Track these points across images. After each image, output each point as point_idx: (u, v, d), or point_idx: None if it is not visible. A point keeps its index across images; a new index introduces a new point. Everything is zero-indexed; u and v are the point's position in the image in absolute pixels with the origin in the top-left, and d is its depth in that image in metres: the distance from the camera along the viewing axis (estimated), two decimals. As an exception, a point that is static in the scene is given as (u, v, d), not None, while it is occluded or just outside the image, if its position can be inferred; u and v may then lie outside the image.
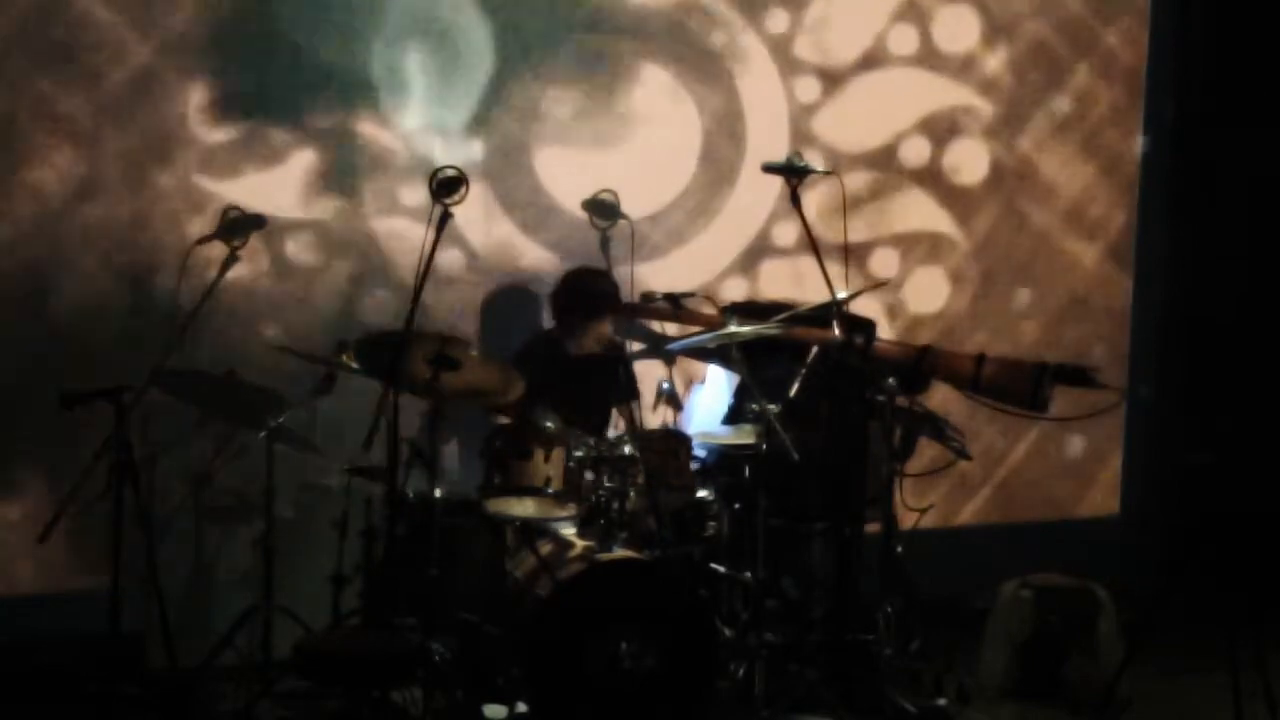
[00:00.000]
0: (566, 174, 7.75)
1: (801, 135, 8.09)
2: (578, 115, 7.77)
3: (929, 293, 8.42)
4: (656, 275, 7.80)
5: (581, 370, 7.19)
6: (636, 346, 7.68)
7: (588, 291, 7.23)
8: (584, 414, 6.96)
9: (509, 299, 7.71)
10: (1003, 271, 8.55)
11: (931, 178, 8.37)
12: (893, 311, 8.33)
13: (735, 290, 8.03)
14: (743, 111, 8.02)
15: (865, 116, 8.24)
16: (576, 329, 7.23)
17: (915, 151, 8.33)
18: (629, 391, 7.26)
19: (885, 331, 8.00)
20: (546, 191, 7.75)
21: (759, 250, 8.10)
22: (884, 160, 8.29)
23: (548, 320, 7.52)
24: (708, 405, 7.53)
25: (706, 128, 7.97)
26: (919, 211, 8.37)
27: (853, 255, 7.68)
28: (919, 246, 8.38)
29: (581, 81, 7.77)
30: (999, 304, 8.55)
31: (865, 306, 7.71)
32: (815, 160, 7.32)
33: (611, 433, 7.15)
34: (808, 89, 8.13)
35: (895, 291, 8.32)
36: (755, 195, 8.01)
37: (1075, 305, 8.68)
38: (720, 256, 8.07)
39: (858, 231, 8.17)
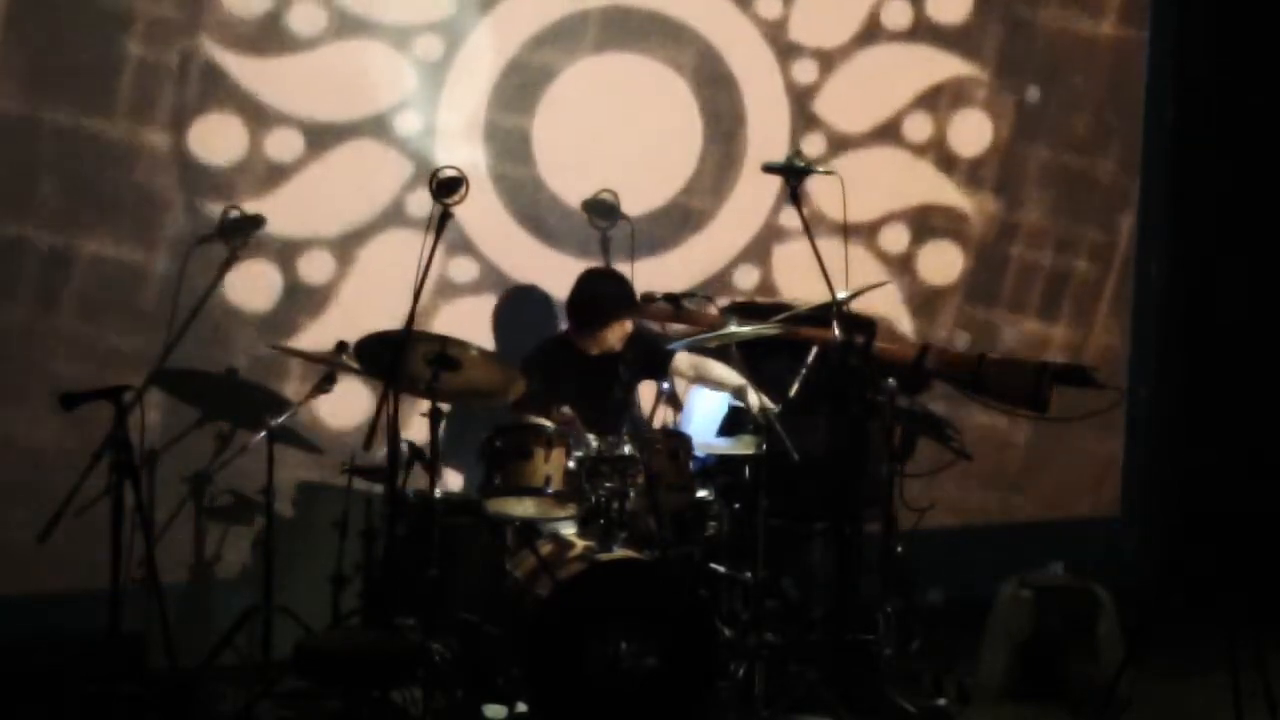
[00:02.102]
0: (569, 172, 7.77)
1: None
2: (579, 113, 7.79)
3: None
4: (663, 271, 7.83)
5: (599, 368, 7.15)
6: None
7: (604, 295, 7.15)
8: (600, 414, 6.96)
9: (517, 301, 7.71)
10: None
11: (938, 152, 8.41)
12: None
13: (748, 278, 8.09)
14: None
15: (864, 94, 8.24)
16: (600, 333, 7.15)
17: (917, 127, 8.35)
18: (662, 360, 7.23)
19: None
20: (549, 190, 7.77)
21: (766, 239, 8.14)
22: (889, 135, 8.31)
23: (561, 322, 7.49)
24: (707, 405, 7.52)
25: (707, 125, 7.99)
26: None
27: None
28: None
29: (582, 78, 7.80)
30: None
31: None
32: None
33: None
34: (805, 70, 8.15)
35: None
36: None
37: (1075, 304, 8.69)
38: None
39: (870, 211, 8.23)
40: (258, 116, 7.30)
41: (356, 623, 6.66)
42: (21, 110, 7.03)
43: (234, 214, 7.20)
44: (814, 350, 7.12)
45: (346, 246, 7.48)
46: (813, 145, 8.09)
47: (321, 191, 7.41)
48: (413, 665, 6.16)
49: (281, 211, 7.33)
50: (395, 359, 6.26)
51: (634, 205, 7.77)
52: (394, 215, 7.51)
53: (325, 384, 6.95)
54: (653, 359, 7.20)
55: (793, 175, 6.78)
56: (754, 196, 8.05)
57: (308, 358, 6.99)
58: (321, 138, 7.39)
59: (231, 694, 6.70)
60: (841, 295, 6.80)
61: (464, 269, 7.65)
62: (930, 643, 7.11)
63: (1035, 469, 8.67)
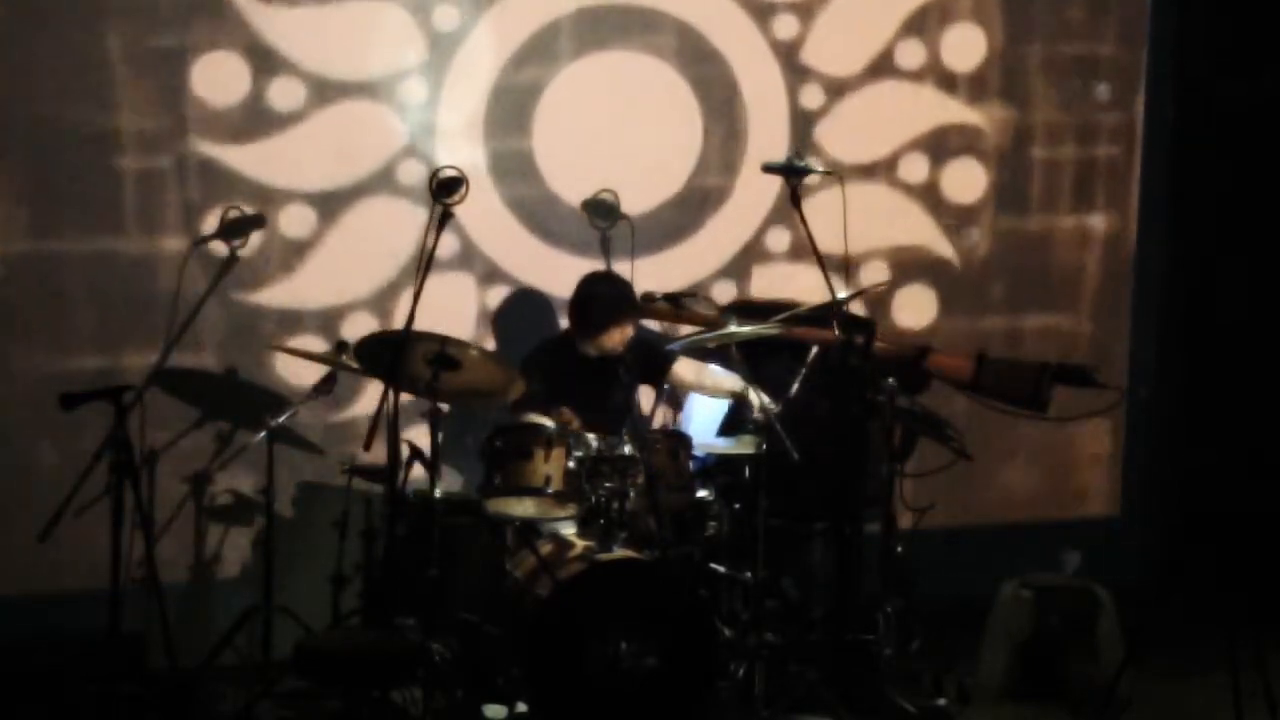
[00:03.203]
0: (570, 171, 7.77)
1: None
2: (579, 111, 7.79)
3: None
4: (666, 266, 7.84)
5: (598, 369, 7.15)
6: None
7: (603, 298, 7.15)
8: (599, 415, 6.95)
9: (518, 302, 7.72)
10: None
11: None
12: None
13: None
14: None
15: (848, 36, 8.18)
16: (598, 337, 7.14)
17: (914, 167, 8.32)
18: (661, 364, 7.25)
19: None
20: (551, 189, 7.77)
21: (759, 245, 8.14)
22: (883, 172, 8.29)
23: (560, 323, 7.49)
24: (707, 405, 7.51)
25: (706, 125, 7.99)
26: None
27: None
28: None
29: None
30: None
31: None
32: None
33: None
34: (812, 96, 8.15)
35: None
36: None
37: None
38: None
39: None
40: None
41: (356, 623, 6.66)
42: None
43: (234, 214, 7.20)
44: (814, 350, 7.11)
45: (329, 205, 7.48)
46: (810, 96, 8.07)
47: (310, 148, 7.43)
48: (413, 665, 6.15)
49: (271, 163, 7.37)
50: (395, 359, 6.26)
51: (642, 191, 7.80)
52: (384, 181, 7.52)
53: (325, 384, 6.95)
54: (651, 364, 7.20)
55: (793, 175, 6.78)
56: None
57: (308, 358, 6.99)
58: (324, 93, 7.42)
59: (231, 694, 6.70)
60: (841, 295, 6.81)
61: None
62: (930, 643, 7.11)
63: (1035, 469, 8.66)
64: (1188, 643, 7.04)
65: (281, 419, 6.82)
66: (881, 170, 8.21)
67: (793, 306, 7.34)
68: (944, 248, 8.34)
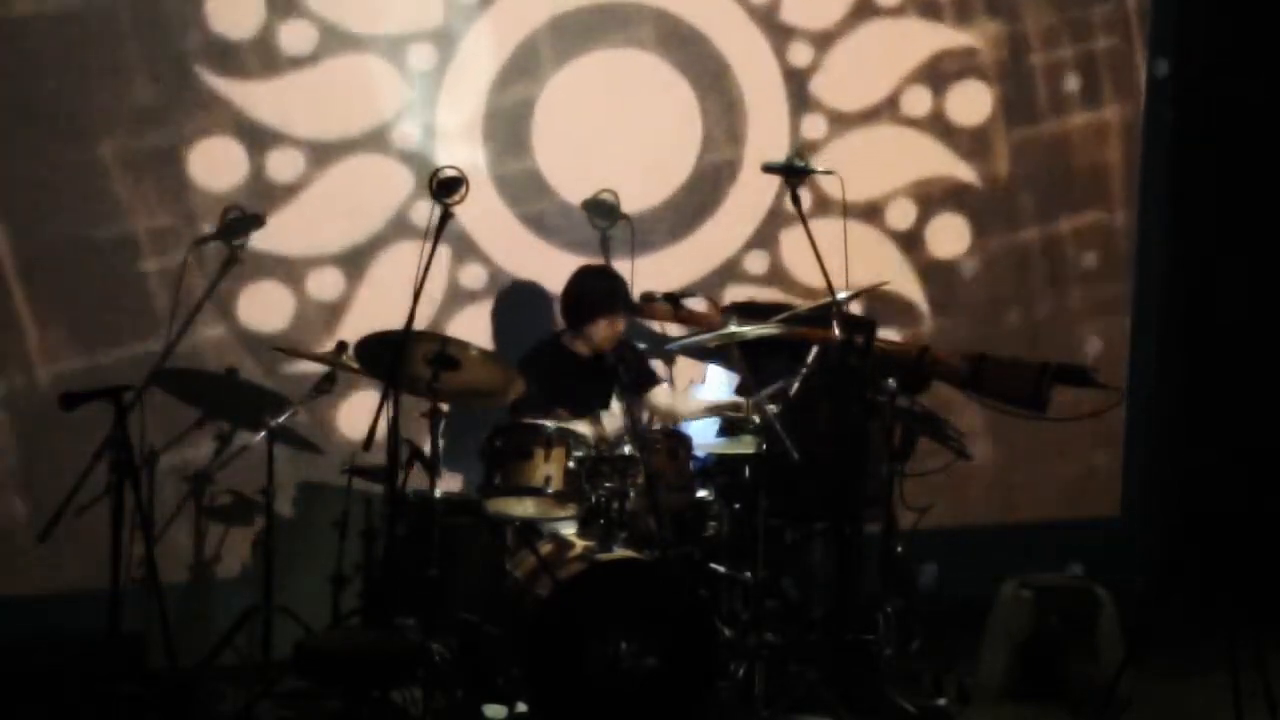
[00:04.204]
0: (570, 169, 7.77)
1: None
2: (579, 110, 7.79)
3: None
4: (669, 260, 7.86)
5: (592, 370, 7.16)
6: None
7: (593, 291, 7.19)
8: (595, 413, 6.96)
9: (519, 300, 7.72)
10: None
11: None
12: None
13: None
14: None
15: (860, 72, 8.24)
16: (586, 329, 7.17)
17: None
18: (644, 380, 7.26)
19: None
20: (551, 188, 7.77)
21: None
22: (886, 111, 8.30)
23: (557, 321, 7.50)
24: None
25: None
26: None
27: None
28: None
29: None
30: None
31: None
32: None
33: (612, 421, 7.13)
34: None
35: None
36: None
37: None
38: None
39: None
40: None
41: (356, 623, 6.66)
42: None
43: (234, 214, 7.20)
44: (814, 350, 7.11)
45: (353, 262, 7.51)
46: (798, 53, 8.08)
47: (325, 209, 7.46)
48: (413, 665, 6.16)
49: (287, 230, 7.38)
50: (395, 359, 6.26)
51: (653, 181, 7.84)
52: (400, 227, 7.54)
53: (325, 384, 6.95)
54: (637, 380, 7.21)
55: (792, 175, 6.79)
56: (766, 136, 8.09)
57: (307, 357, 6.99)
58: (325, 155, 7.44)
59: (231, 694, 6.70)
60: (841, 295, 6.81)
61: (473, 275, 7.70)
62: (930, 643, 7.11)
63: (1035, 469, 8.66)
64: (1188, 643, 7.04)
65: (281, 419, 6.82)
66: (885, 110, 8.23)
67: (792, 306, 7.34)
68: (964, 172, 8.35)
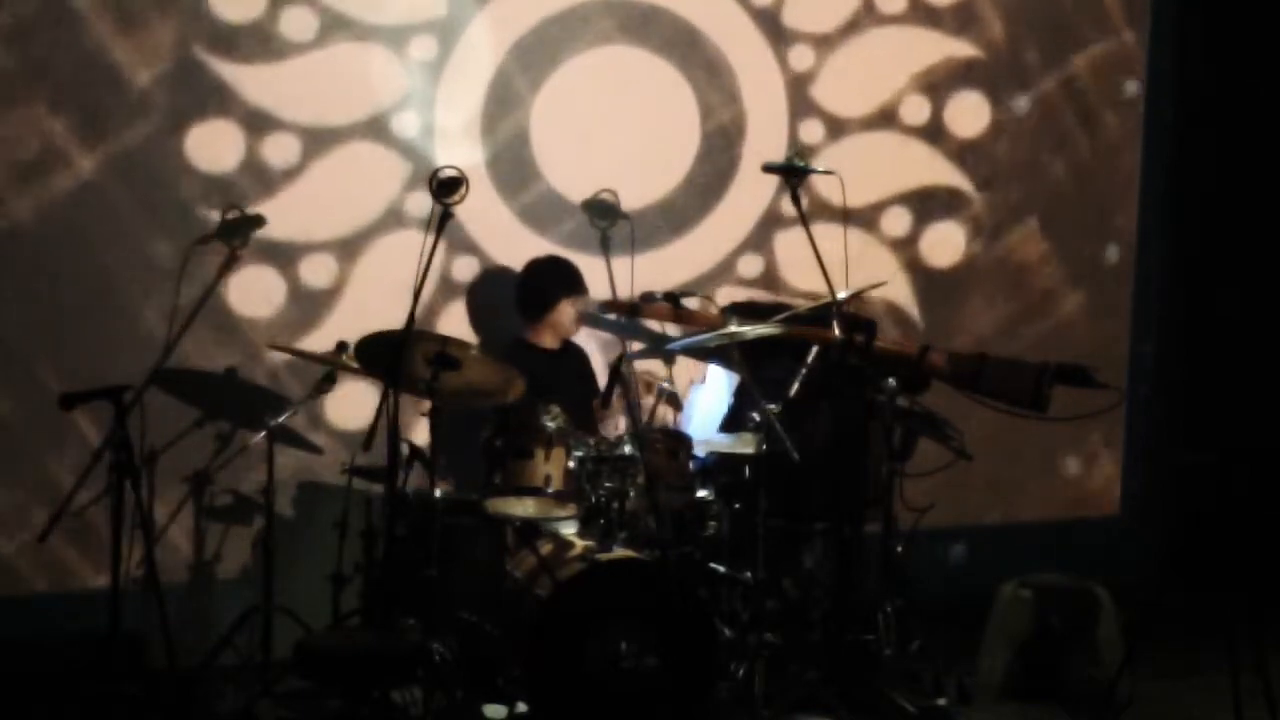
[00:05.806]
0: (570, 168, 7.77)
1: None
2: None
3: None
4: (670, 259, 7.87)
5: (557, 367, 7.21)
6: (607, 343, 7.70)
7: (551, 274, 7.27)
8: (578, 411, 6.96)
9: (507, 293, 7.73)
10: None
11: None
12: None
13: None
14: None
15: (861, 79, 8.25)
16: (550, 316, 7.24)
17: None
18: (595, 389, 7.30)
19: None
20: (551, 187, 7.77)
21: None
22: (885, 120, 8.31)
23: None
24: (707, 405, 7.52)
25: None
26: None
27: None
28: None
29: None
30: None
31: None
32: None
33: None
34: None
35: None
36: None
37: (1075, 306, 8.68)
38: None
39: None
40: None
41: (356, 623, 6.66)
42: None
43: (234, 214, 7.20)
44: (814, 350, 7.11)
45: (348, 250, 7.49)
46: (799, 57, 8.10)
47: (320, 196, 7.43)
48: (413, 665, 6.16)
49: (281, 216, 7.34)
50: (395, 359, 6.25)
51: (655, 177, 7.82)
52: (395, 217, 7.52)
53: (325, 384, 6.95)
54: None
55: (792, 175, 6.79)
56: (766, 118, 8.11)
57: (307, 357, 6.99)
58: (322, 141, 7.40)
59: (231, 694, 6.70)
60: (841, 295, 6.81)
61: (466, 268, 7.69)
62: (930, 643, 7.11)
63: (1035, 469, 8.66)
64: (1188, 643, 7.04)
65: (281, 419, 6.82)
66: (884, 117, 8.25)
67: (792, 306, 7.33)
68: (960, 181, 8.40)
